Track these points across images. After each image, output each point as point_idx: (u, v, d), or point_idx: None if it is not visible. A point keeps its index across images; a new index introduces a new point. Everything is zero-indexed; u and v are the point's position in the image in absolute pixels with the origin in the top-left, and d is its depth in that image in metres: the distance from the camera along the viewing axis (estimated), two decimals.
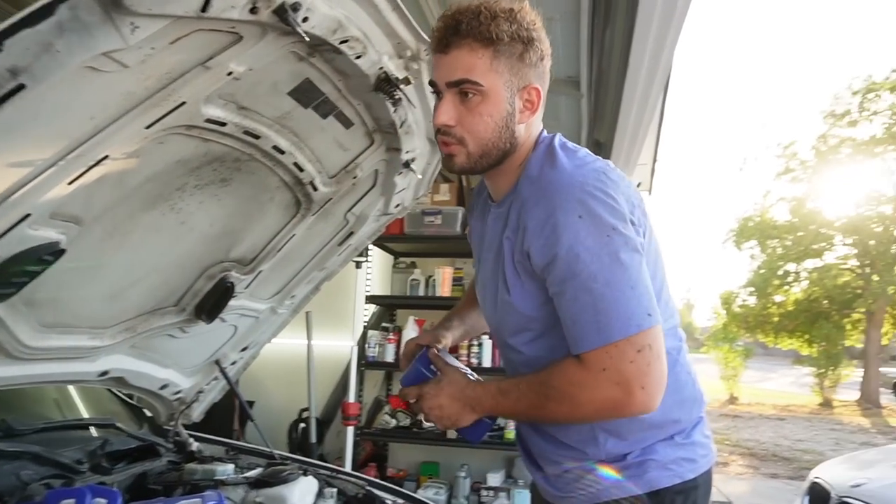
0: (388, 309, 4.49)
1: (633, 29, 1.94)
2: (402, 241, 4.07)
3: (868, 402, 15.53)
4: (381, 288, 4.43)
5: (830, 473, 3.03)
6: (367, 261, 4.00)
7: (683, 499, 1.14)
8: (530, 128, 1.16)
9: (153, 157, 1.05)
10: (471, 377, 1.22)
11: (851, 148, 16.76)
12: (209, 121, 1.03)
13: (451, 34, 1.05)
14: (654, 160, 5.66)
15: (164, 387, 1.82)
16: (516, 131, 1.12)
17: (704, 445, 1.21)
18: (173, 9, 0.74)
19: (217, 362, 1.95)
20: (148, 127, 0.93)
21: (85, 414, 2.03)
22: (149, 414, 2.10)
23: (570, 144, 1.18)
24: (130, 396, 2.05)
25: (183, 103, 0.94)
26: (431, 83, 1.14)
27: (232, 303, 1.69)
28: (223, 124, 1.08)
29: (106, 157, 0.92)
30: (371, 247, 4.05)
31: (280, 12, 0.86)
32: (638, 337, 0.99)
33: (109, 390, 1.95)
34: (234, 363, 2.03)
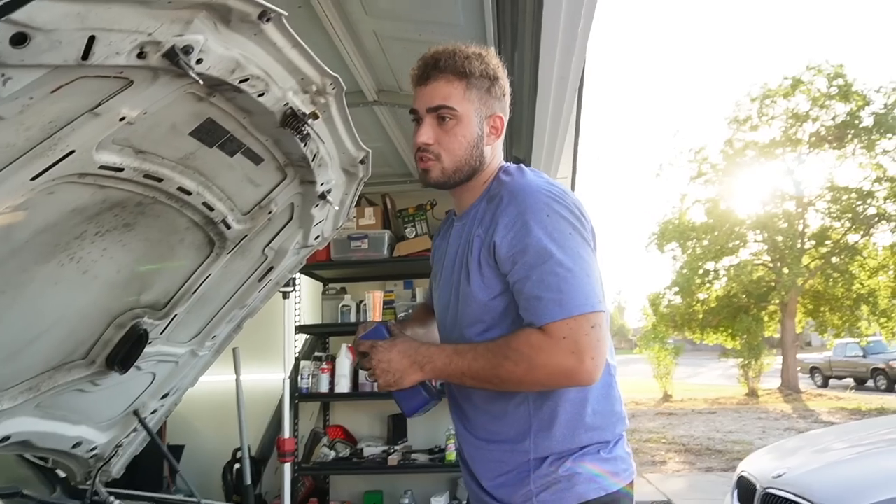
0: (319, 338, 4.40)
1: (538, 52, 2.01)
2: (330, 267, 4.01)
3: (789, 389, 16.47)
4: (311, 317, 4.34)
5: (756, 466, 3.17)
6: (294, 290, 3.91)
7: None
8: (495, 150, 1.36)
9: (44, 207, 1.00)
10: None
11: (755, 151, 17.93)
12: (104, 167, 0.99)
13: (430, 69, 1.28)
14: (574, 172, 5.85)
15: (77, 445, 1.70)
16: (484, 152, 1.32)
17: (626, 460, 1.30)
18: (49, 59, 0.70)
19: (136, 413, 1.85)
20: (34, 178, 0.88)
21: None
22: (63, 475, 1.97)
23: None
24: (45, 458, 1.92)
25: (72, 152, 0.90)
26: (412, 111, 1.33)
27: (147, 350, 1.61)
28: (120, 169, 1.03)
29: None
30: (299, 275, 3.97)
31: (171, 56, 0.83)
32: (592, 315, 1.14)
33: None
34: (154, 412, 1.93)
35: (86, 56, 0.73)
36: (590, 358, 1.12)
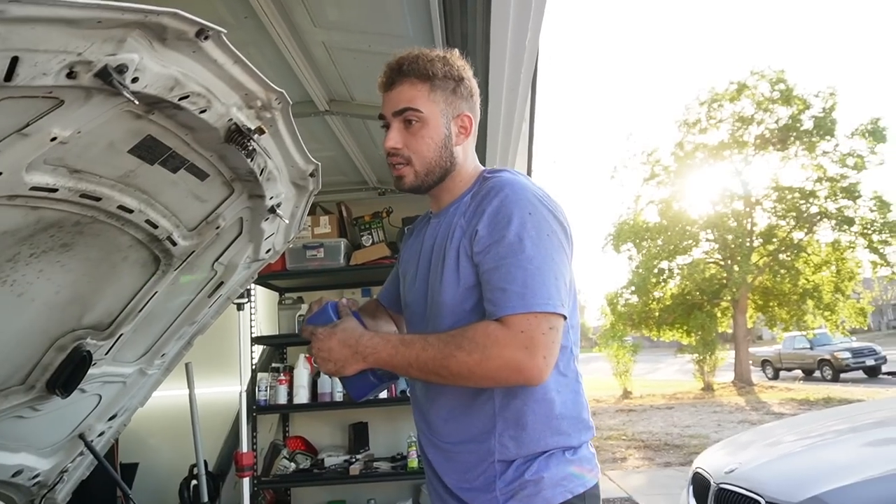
0: (276, 348, 4.33)
1: (487, 63, 2.03)
2: (285, 277, 3.95)
3: (742, 382, 17.00)
4: (268, 327, 4.27)
5: (709, 461, 3.23)
6: (249, 301, 3.83)
7: None
8: (466, 150, 1.36)
9: None
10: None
11: (704, 153, 18.48)
12: (35, 188, 0.95)
13: (394, 74, 1.29)
14: (529, 176, 5.92)
15: (17, 473, 1.64)
16: (454, 152, 1.32)
17: (591, 460, 1.29)
18: None
19: (81, 436, 1.78)
20: None
21: None
22: None
23: None
24: None
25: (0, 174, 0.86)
26: (380, 116, 1.33)
27: (92, 371, 1.56)
28: (54, 190, 0.99)
29: None
30: (254, 285, 3.90)
31: (103, 75, 0.81)
32: (551, 316, 1.14)
33: None
34: (101, 434, 1.87)
35: (9, 77, 0.71)
36: (542, 356, 1.11)
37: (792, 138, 17.51)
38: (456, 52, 1.35)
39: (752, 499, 2.62)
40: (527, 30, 1.92)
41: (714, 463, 3.16)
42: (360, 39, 2.21)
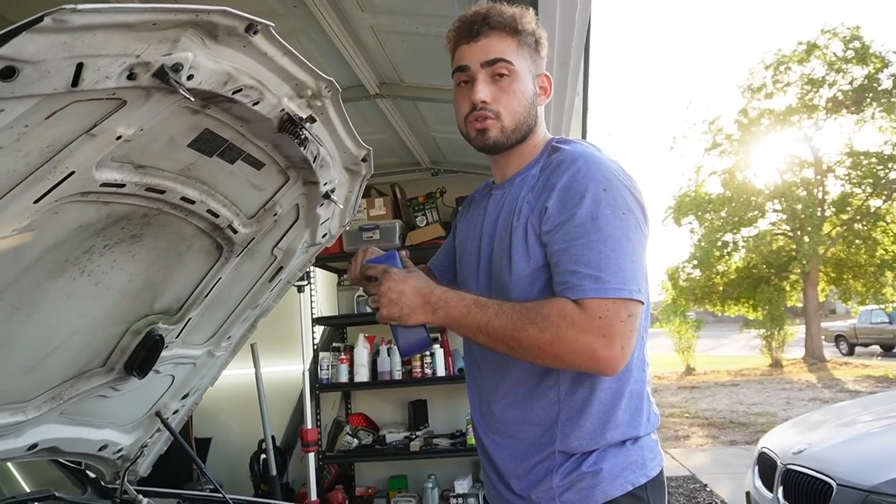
0: (337, 329, 4.45)
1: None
2: (343, 259, 4.04)
3: (813, 358, 16.32)
4: (328, 308, 4.39)
5: (777, 441, 3.12)
6: (309, 284, 3.95)
7: (636, 502, 1.16)
8: (540, 114, 1.30)
9: (50, 227, 1.02)
10: None
11: (770, 119, 17.60)
12: (105, 185, 1.01)
13: (480, 25, 1.21)
14: None
15: (103, 448, 1.76)
16: (538, 112, 1.27)
17: (653, 448, 1.23)
18: (39, 89, 0.72)
19: (158, 414, 1.89)
20: (37, 201, 0.90)
21: (24, 486, 1.95)
22: (93, 475, 2.03)
23: None
24: (79, 462, 1.98)
25: (72, 173, 0.92)
26: (459, 69, 1.24)
27: (165, 353, 1.64)
28: (122, 185, 1.05)
29: None
30: (313, 268, 4.01)
31: (160, 75, 0.84)
32: (630, 303, 1.06)
33: None
34: (176, 412, 1.97)
35: (76, 83, 0.75)
36: (619, 346, 1.04)
37: (868, 99, 16.45)
38: (531, 9, 1.27)
39: (822, 481, 2.51)
40: (576, 2, 1.87)
41: (782, 443, 3.06)
42: (408, 22, 2.21)
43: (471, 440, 3.73)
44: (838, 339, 18.72)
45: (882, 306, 17.25)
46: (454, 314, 1.12)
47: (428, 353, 3.79)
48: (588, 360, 1.05)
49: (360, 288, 4.12)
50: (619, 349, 1.04)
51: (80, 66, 0.73)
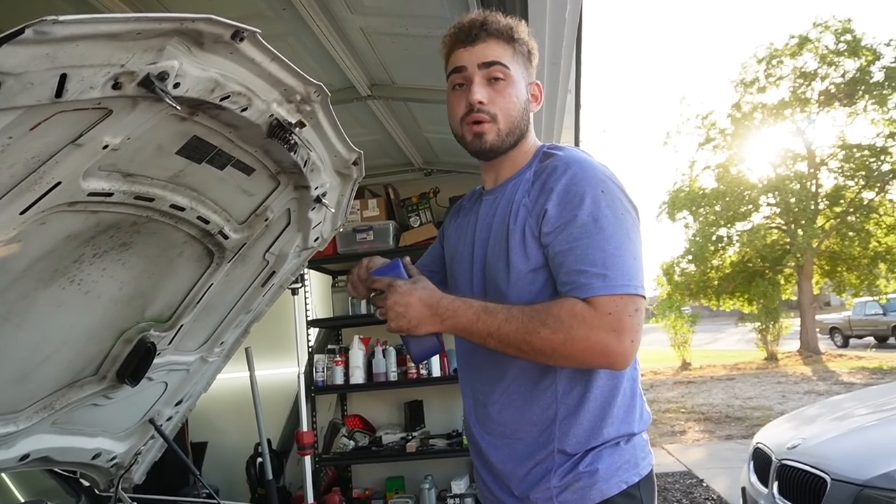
0: (332, 331, 4.44)
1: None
2: (337, 261, 4.04)
3: (808, 351, 16.39)
4: (322, 310, 4.38)
5: (771, 436, 3.10)
6: (303, 286, 3.94)
7: (630, 500, 1.19)
8: (531, 121, 1.33)
9: (38, 237, 1.01)
10: None
11: (763, 113, 17.66)
12: (93, 194, 1.00)
13: (478, 29, 1.24)
14: (577, 145, 5.80)
15: (96, 456, 1.75)
16: (530, 118, 1.31)
17: (644, 447, 1.26)
18: (23, 100, 0.71)
19: (151, 421, 1.88)
20: (23, 212, 0.89)
21: (18, 495, 1.94)
22: (87, 484, 2.02)
23: None
24: (73, 471, 1.97)
25: (59, 183, 0.91)
26: (455, 70, 1.27)
27: (157, 360, 1.63)
28: (109, 194, 1.04)
29: None
30: (307, 270, 4.00)
31: (146, 84, 0.83)
32: (635, 298, 1.10)
33: None
34: (169, 419, 1.97)
35: (59, 94, 0.74)
36: (629, 340, 1.07)
37: (860, 92, 16.52)
38: (524, 22, 1.33)
39: (817, 476, 2.51)
40: (566, 2, 1.87)
41: (776, 438, 3.05)
42: (397, 23, 2.20)
43: (467, 441, 3.73)
44: (833, 331, 18.82)
45: (876, 298, 17.36)
46: (463, 322, 1.13)
47: None
48: (601, 356, 1.08)
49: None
50: (629, 343, 1.08)
51: (63, 77, 0.73)
